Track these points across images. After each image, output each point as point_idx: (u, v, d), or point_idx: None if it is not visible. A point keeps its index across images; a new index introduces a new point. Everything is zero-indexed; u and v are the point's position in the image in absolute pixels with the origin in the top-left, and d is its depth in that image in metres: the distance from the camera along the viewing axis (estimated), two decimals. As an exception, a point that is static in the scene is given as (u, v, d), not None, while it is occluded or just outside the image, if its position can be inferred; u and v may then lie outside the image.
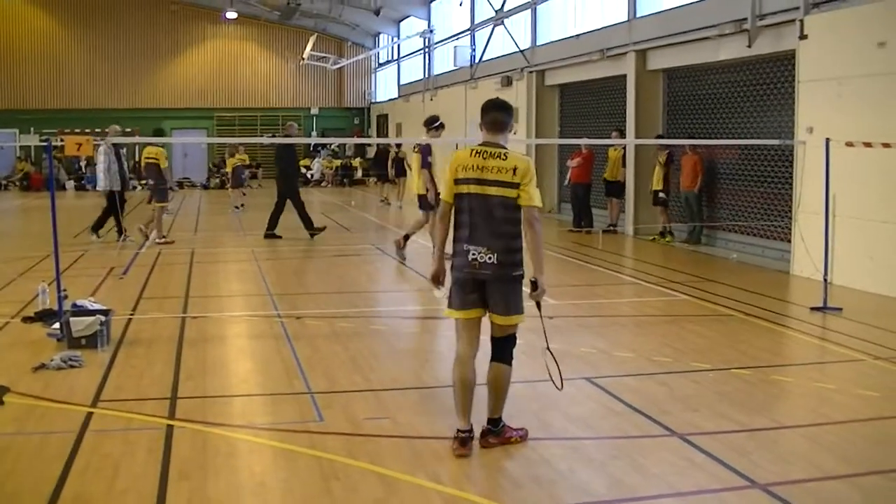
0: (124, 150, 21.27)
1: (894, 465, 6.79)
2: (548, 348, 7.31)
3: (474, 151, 6.92)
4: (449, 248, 7.21)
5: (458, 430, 7.02)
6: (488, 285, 6.98)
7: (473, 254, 6.90)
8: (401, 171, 32.35)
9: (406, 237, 17.25)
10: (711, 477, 6.54)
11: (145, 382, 9.08)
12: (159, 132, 24.35)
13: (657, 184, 21.11)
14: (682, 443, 7.28)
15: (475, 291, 7.04)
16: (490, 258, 6.86)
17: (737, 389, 8.82)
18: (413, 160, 18.80)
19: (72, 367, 9.50)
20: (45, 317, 11.47)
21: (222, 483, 6.42)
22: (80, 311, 10.59)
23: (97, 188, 21.94)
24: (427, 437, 7.39)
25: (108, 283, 14.97)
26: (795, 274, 15.81)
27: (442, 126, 17.00)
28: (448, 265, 7.26)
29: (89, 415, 7.98)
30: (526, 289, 7.02)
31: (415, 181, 18.10)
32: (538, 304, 7.13)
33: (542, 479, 6.51)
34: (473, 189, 6.88)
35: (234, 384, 9.22)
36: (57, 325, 10.67)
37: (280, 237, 21.71)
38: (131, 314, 12.38)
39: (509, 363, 7.13)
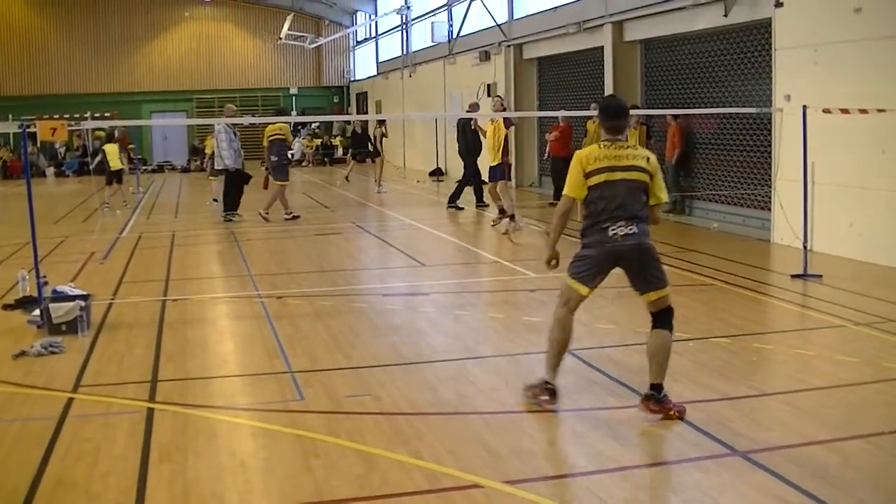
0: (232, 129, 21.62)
1: (874, 428, 6.82)
2: None
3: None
4: None
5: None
6: None
7: None
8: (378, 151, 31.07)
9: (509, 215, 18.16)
10: (692, 446, 6.56)
11: (126, 366, 9.07)
12: (282, 111, 24.26)
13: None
14: (662, 412, 7.30)
15: None
16: None
17: (717, 358, 8.85)
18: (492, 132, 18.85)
19: (52, 353, 9.47)
20: (25, 304, 11.41)
21: (203, 464, 6.41)
22: (60, 297, 10.55)
23: (216, 167, 22.13)
24: (408, 414, 7.39)
25: (89, 268, 14.91)
26: (776, 242, 15.86)
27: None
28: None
29: (70, 400, 7.96)
30: None
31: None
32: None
33: (523, 451, 6.52)
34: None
35: (215, 366, 9.19)
36: (37, 312, 10.61)
37: (462, 208, 22.44)
38: (112, 299, 12.34)
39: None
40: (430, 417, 7.30)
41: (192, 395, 8.12)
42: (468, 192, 22.54)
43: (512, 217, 17.84)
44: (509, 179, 18.87)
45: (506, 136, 18.32)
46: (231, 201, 21.42)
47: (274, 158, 21.53)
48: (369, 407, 7.58)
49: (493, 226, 18.80)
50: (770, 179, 16.25)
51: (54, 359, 9.35)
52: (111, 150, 26.29)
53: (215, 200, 26.10)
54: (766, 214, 16.73)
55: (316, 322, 10.75)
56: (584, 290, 7.28)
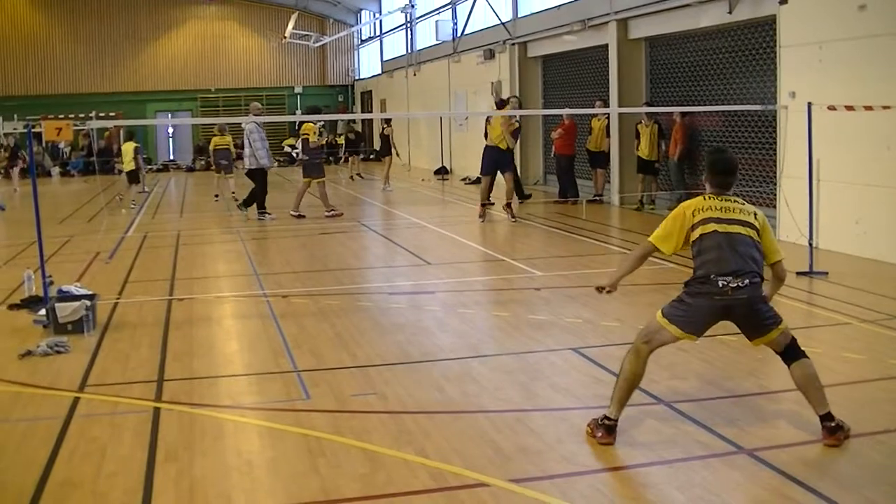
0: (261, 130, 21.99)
1: (879, 426, 6.82)
2: None
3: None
4: None
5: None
6: None
7: None
8: (386, 150, 31.06)
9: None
10: (698, 444, 6.55)
11: (132, 366, 9.08)
12: (314, 109, 24.54)
13: (648, 153, 21.16)
14: (668, 411, 7.30)
15: None
16: None
17: (723, 356, 8.84)
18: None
19: (58, 352, 9.49)
20: (30, 304, 11.44)
21: (209, 464, 6.42)
22: (66, 297, 10.55)
23: (245, 165, 22.36)
24: (414, 412, 7.40)
25: (94, 267, 14.92)
26: (781, 239, 15.78)
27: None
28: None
29: (76, 400, 7.98)
30: None
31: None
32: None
33: (529, 450, 6.52)
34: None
35: (221, 365, 9.21)
36: (43, 312, 10.63)
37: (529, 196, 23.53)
38: (117, 298, 12.35)
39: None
40: (435, 416, 7.31)
41: (198, 395, 8.12)
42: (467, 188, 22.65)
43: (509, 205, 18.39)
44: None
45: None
46: (262, 199, 21.69)
47: (305, 157, 22.05)
48: (375, 406, 7.59)
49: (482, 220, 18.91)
50: (775, 177, 16.24)
51: (60, 358, 9.36)
52: (127, 149, 26.39)
53: (216, 197, 26.31)
54: (772, 212, 16.68)
55: (321, 321, 10.76)
56: (678, 333, 6.78)
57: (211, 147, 28.02)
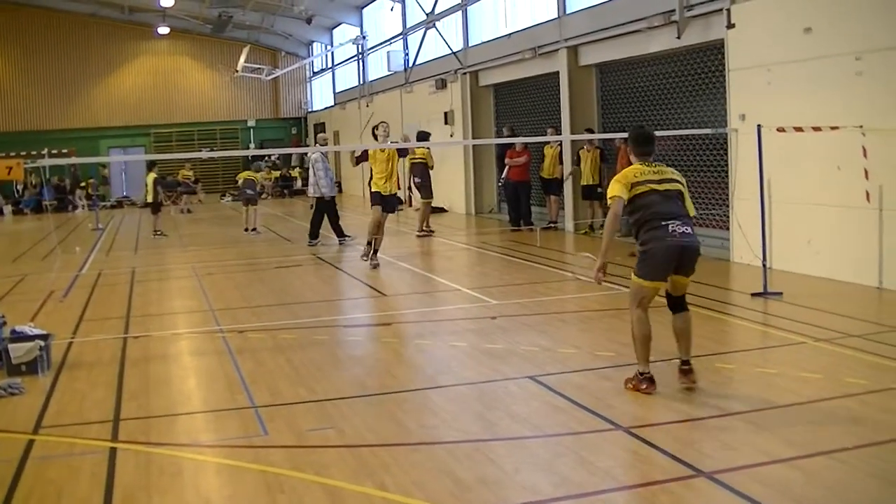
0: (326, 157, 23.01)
1: (836, 444, 6.85)
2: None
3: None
4: None
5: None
6: None
7: None
8: None
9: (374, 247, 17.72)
10: (658, 468, 6.57)
11: (87, 406, 8.97)
12: (424, 136, 24.73)
13: (588, 178, 21.40)
14: (627, 436, 7.31)
15: None
16: None
17: (679, 380, 8.86)
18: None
19: (12, 394, 9.37)
20: (-18, 346, 11.30)
21: (167, 503, 6.35)
22: (20, 337, 10.43)
23: (308, 194, 23.58)
24: (373, 445, 7.36)
25: (49, 306, 14.76)
26: (735, 261, 15.95)
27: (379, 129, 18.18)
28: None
29: (31, 442, 7.87)
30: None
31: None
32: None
33: (488, 479, 6.50)
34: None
35: (178, 402, 9.12)
36: (-5, 354, 10.51)
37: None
38: (72, 337, 12.23)
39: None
40: (394, 449, 7.28)
41: (155, 434, 8.04)
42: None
43: (374, 248, 17.76)
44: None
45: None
46: (316, 228, 22.28)
47: (418, 179, 23.79)
48: (333, 440, 7.55)
49: (366, 260, 18.07)
50: (728, 199, 16.36)
51: (14, 400, 9.24)
52: (148, 180, 27.43)
53: (158, 233, 26.52)
54: (725, 234, 16.83)
55: (278, 356, 10.69)
56: (658, 284, 8.37)
57: (181, 177, 28.66)
